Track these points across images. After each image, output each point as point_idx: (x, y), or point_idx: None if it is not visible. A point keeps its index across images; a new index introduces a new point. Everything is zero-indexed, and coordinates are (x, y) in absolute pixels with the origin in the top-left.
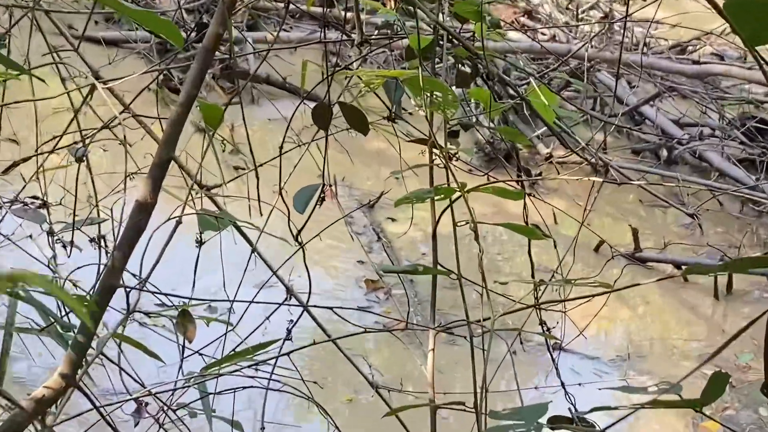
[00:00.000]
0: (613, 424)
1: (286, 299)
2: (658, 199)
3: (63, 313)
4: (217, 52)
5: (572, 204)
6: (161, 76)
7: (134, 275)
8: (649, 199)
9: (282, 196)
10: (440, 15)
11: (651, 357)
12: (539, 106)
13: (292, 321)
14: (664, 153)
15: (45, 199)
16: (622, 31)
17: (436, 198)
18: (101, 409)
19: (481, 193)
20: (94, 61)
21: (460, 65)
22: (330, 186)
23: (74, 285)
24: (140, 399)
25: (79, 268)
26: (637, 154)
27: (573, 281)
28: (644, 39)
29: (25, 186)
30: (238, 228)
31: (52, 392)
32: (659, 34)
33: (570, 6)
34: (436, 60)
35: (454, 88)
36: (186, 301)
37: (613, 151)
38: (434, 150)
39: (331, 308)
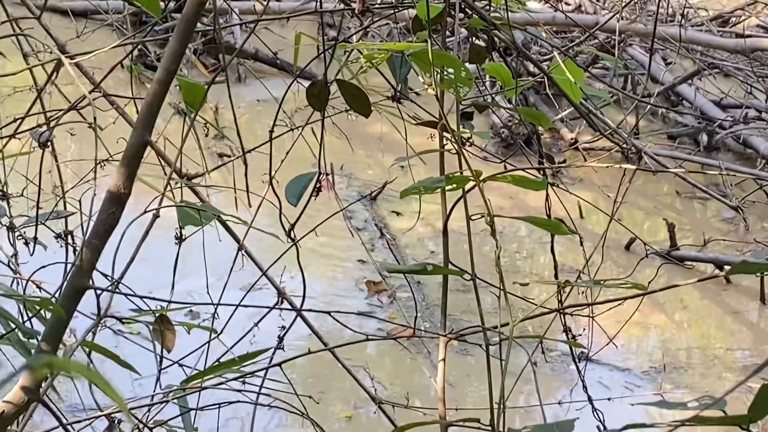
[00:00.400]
0: None
1: (277, 303)
2: (698, 190)
3: (25, 318)
4: (199, 24)
5: (600, 195)
6: (136, 51)
7: (106, 276)
8: (688, 189)
9: (273, 187)
10: None
11: (689, 368)
12: (564, 84)
13: (284, 327)
14: (704, 138)
15: (4, 189)
16: (656, 0)
17: (446, 188)
18: (68, 427)
19: (498, 182)
20: (60, 34)
21: (474, 38)
22: (327, 175)
23: (38, 287)
24: (112, 416)
25: (43, 267)
26: (673, 139)
27: (601, 282)
28: (682, 9)
29: None
30: (223, 223)
31: (12, 408)
32: (698, 3)
33: None
34: (447, 32)
35: (467, 63)
36: (164, 305)
37: (647, 136)
38: (445, 134)
39: (328, 312)
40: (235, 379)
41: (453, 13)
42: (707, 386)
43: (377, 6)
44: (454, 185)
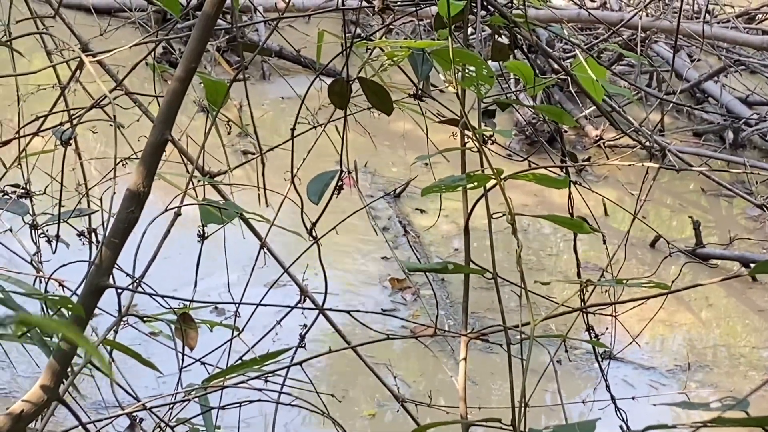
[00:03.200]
0: None
1: (299, 301)
2: (723, 188)
3: (46, 315)
4: (225, 22)
5: (624, 193)
6: (161, 49)
7: (128, 274)
8: (713, 187)
9: (294, 185)
10: None
11: (714, 367)
12: (586, 82)
13: (306, 326)
14: (730, 135)
15: (28, 187)
16: None
17: (468, 186)
18: (90, 426)
19: (521, 180)
20: (84, 32)
21: (496, 35)
22: (349, 172)
23: (60, 285)
24: (134, 414)
25: (64, 265)
26: (698, 136)
27: (625, 281)
28: (707, 6)
29: (5, 173)
30: (245, 220)
31: (31, 407)
32: (724, 0)
33: None
34: (469, 29)
35: (489, 61)
36: (187, 303)
37: (672, 134)
38: (467, 132)
39: (348, 312)
40: (256, 377)
41: (475, 10)
42: (733, 385)
43: (399, 4)
44: (476, 183)
